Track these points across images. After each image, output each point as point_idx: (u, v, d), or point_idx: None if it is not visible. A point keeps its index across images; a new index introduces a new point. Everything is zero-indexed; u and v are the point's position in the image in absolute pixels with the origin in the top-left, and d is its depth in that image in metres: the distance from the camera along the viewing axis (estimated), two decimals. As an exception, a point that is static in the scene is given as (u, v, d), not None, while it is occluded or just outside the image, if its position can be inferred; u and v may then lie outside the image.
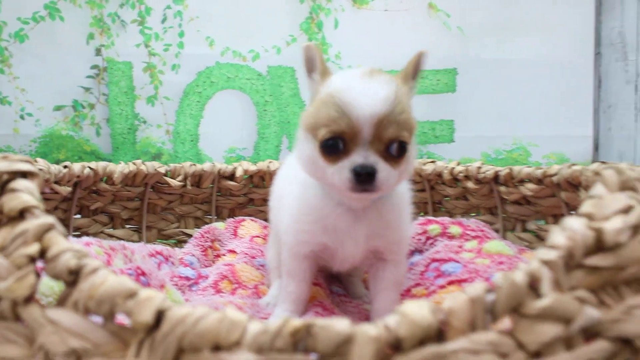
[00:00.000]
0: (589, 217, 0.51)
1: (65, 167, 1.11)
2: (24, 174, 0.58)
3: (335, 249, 0.87)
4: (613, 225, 0.49)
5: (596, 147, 1.81)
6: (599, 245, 0.49)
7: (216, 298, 0.98)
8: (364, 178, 0.74)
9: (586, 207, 0.52)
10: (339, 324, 0.42)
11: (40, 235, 0.49)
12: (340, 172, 0.75)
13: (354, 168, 0.74)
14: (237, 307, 0.92)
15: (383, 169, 0.75)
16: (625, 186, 0.56)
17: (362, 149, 0.75)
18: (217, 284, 1.02)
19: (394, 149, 0.76)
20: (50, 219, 0.51)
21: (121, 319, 0.46)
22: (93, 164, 1.22)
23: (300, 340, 0.42)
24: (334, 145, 0.75)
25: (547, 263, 0.47)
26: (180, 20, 1.73)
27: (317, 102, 0.79)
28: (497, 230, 1.31)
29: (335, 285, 1.10)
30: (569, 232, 0.49)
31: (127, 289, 0.44)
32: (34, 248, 0.48)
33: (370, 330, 0.43)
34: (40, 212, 0.53)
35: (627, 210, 0.51)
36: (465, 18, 1.76)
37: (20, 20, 1.66)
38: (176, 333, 0.43)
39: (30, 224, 0.50)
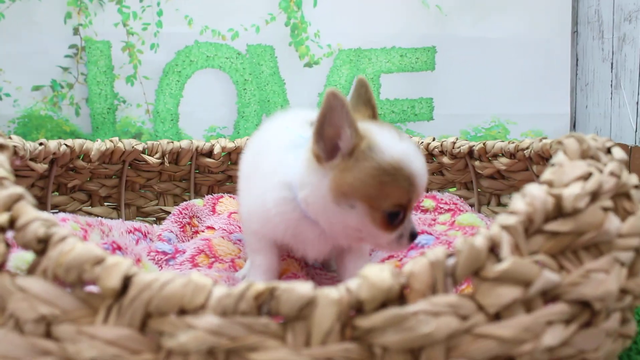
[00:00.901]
0: (549, 184, 0.52)
1: (40, 144, 1.10)
2: (-6, 147, 0.59)
3: (299, 249, 0.89)
4: (572, 192, 0.50)
5: (574, 125, 1.82)
6: (559, 211, 0.50)
7: (193, 272, 0.97)
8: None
9: (547, 174, 0.53)
10: (302, 288, 0.43)
11: (10, 205, 0.50)
12: (401, 239, 0.78)
13: (411, 235, 0.79)
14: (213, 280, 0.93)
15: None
16: (586, 154, 0.57)
17: (408, 213, 0.78)
18: (194, 258, 1.02)
19: None
20: (19, 189, 0.51)
21: (90, 289, 0.46)
22: (69, 141, 1.21)
23: (264, 303, 0.43)
24: (398, 215, 0.76)
25: (506, 228, 0.48)
26: (158, -2, 1.71)
27: (370, 169, 0.73)
28: (472, 205, 1.32)
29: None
30: (528, 198, 0.49)
31: (95, 255, 0.45)
32: (3, 217, 0.49)
33: (332, 293, 0.44)
34: (10, 183, 0.53)
35: (586, 177, 0.52)
36: (444, -4, 1.76)
37: (-5, -1, 1.63)
38: (143, 298, 0.43)
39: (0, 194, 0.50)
